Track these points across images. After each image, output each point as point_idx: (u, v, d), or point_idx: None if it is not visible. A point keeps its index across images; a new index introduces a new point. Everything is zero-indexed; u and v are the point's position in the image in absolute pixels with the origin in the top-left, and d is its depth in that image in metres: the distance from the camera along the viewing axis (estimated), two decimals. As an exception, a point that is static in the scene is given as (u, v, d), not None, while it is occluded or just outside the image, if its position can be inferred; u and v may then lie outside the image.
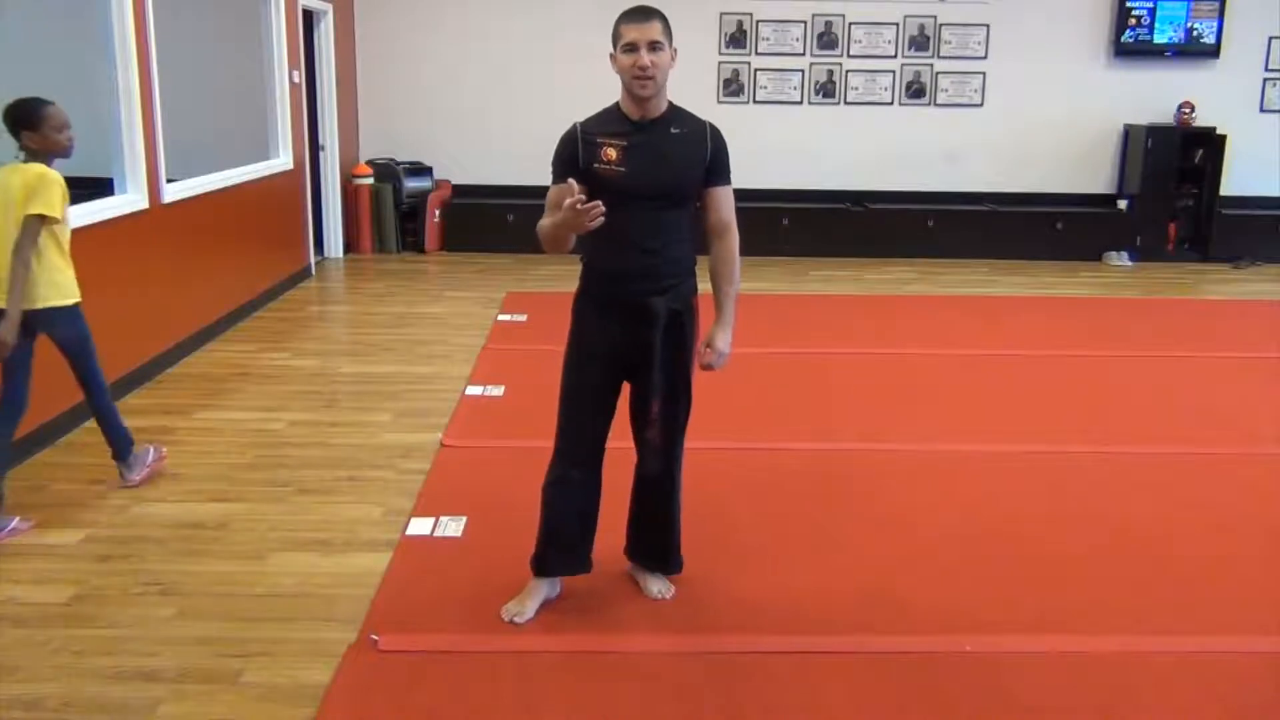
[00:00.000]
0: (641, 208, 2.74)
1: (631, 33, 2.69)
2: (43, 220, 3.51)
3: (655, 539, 3.12)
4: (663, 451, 2.95)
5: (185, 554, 3.40)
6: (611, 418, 2.94)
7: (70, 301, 3.71)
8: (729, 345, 2.89)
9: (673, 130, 2.79)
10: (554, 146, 2.80)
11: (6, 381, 3.67)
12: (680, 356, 2.87)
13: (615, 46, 2.74)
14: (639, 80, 2.69)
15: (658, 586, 3.13)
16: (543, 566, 3.04)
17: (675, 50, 2.75)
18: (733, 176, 2.87)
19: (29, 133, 3.61)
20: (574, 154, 2.75)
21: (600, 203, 2.52)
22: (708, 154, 2.82)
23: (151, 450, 4.08)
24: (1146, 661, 2.85)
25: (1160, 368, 5.85)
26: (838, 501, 3.90)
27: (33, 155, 3.63)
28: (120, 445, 3.95)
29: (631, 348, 2.83)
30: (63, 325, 3.70)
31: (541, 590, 3.04)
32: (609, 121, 2.79)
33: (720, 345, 2.88)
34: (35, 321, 3.60)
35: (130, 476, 3.96)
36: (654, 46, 2.68)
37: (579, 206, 2.50)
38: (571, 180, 2.59)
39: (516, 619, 2.96)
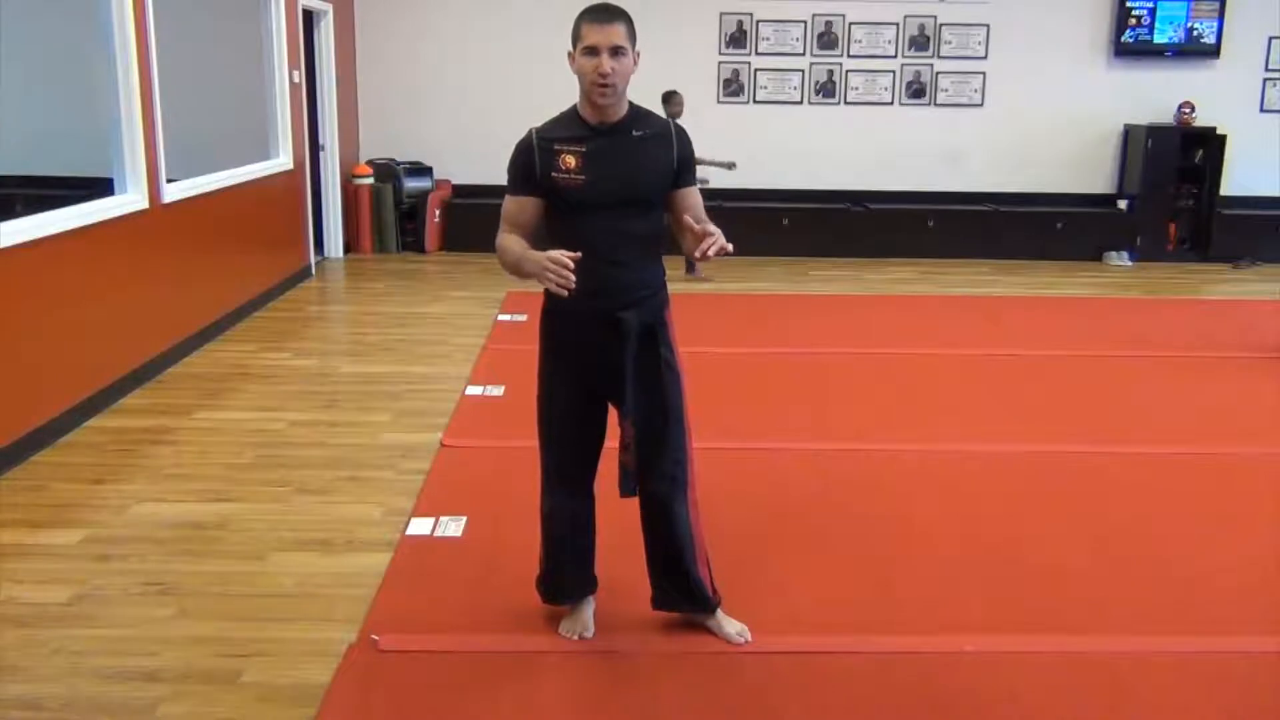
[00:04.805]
0: (605, 217, 2.60)
1: (593, 35, 2.51)
2: None
3: (671, 571, 2.85)
4: (654, 475, 2.74)
5: (185, 554, 3.40)
6: (598, 437, 2.80)
7: None
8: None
9: (635, 133, 2.63)
10: None
11: None
12: (658, 374, 2.70)
13: (575, 46, 2.56)
14: (598, 88, 2.53)
15: (734, 628, 2.89)
16: (558, 594, 2.96)
17: (638, 54, 2.59)
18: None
19: (668, 106, 7.01)
20: (530, 163, 2.60)
21: (571, 277, 2.38)
22: (674, 157, 2.67)
23: None
24: (1146, 661, 2.85)
25: (1160, 367, 5.85)
26: (838, 501, 3.90)
27: (669, 117, 6.46)
28: None
29: (603, 367, 2.67)
30: None
31: (585, 600, 2.97)
32: (566, 126, 2.63)
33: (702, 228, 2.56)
34: None
35: None
36: (616, 52, 2.51)
37: (557, 269, 2.39)
38: (564, 254, 2.43)
39: (585, 634, 2.90)
